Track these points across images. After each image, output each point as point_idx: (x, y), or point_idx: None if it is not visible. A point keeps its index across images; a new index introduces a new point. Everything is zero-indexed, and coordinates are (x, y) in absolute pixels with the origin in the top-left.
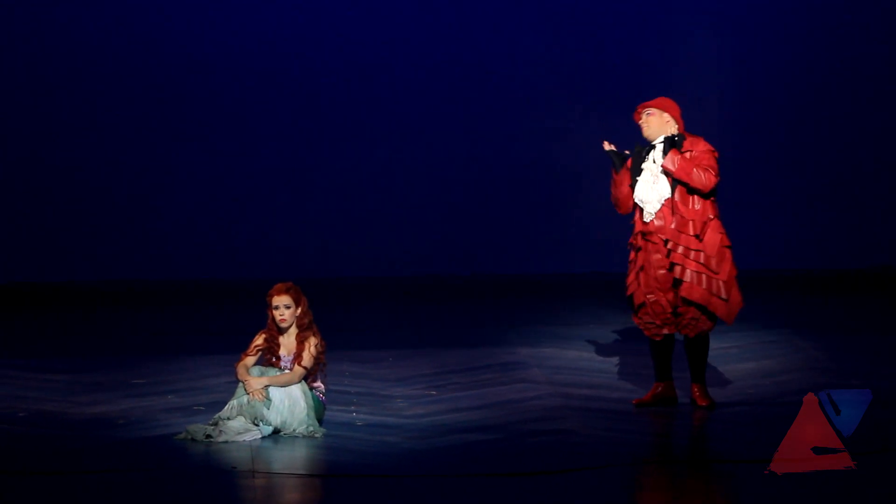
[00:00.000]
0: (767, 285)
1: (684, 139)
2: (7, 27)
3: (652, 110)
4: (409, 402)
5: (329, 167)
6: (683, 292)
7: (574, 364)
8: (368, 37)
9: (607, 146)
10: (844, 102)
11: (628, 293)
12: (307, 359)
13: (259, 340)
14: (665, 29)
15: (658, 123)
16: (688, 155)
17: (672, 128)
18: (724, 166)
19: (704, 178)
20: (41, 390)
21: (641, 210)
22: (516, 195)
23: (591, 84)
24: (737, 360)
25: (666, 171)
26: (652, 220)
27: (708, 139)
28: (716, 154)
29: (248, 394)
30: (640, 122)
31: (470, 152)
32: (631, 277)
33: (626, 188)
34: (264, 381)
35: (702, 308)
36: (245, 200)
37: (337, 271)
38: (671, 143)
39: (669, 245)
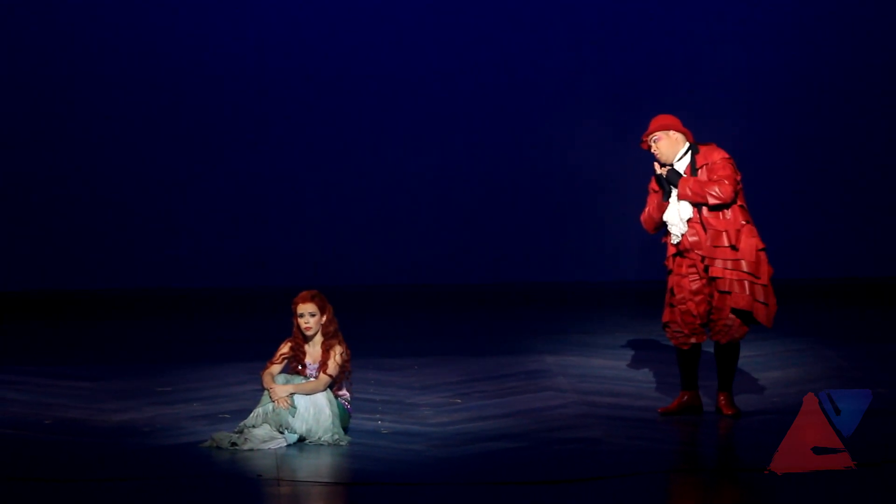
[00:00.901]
0: (794, 294)
1: (697, 152)
2: (20, 35)
3: (657, 135)
4: (435, 410)
5: (354, 173)
6: (731, 302)
7: (599, 372)
8: (386, 44)
9: (659, 168)
10: (872, 111)
11: (664, 319)
12: (332, 367)
13: (284, 349)
14: (685, 38)
15: (668, 145)
16: (703, 170)
17: (682, 144)
18: (749, 174)
19: (720, 191)
20: (67, 398)
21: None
22: (542, 203)
23: (615, 91)
24: (762, 368)
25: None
26: (684, 238)
27: (730, 149)
28: (730, 160)
29: (274, 402)
30: (652, 151)
31: (496, 159)
32: (666, 310)
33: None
34: (290, 388)
35: (742, 314)
36: (269, 208)
37: (362, 279)
38: (675, 175)
39: (706, 261)
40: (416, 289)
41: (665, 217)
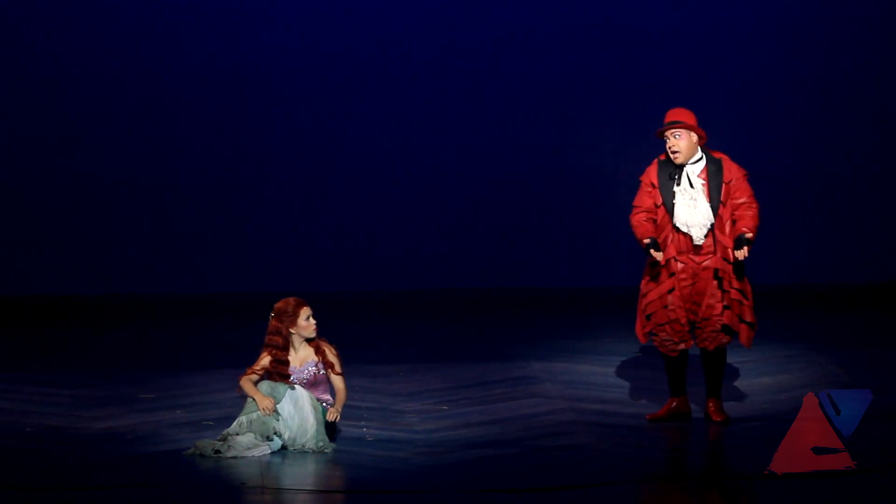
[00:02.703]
0: (785, 300)
1: (714, 162)
2: (14, 37)
3: (679, 132)
4: (420, 417)
5: (338, 179)
6: (726, 319)
7: (587, 378)
8: (384, 48)
9: (655, 254)
10: (862, 116)
11: (649, 312)
12: (338, 364)
13: (265, 360)
14: (685, 40)
15: (688, 145)
16: (727, 186)
17: (697, 148)
18: (773, 187)
19: (757, 215)
20: (48, 405)
21: (679, 234)
22: (529, 208)
23: (611, 94)
24: (753, 374)
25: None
26: (683, 242)
27: (727, 152)
28: (748, 175)
29: (261, 409)
30: (669, 144)
31: (483, 165)
32: (657, 304)
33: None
34: (337, 409)
35: (727, 328)
36: (253, 213)
37: (347, 285)
38: (745, 241)
39: (720, 273)
40: (402, 294)
41: (681, 220)
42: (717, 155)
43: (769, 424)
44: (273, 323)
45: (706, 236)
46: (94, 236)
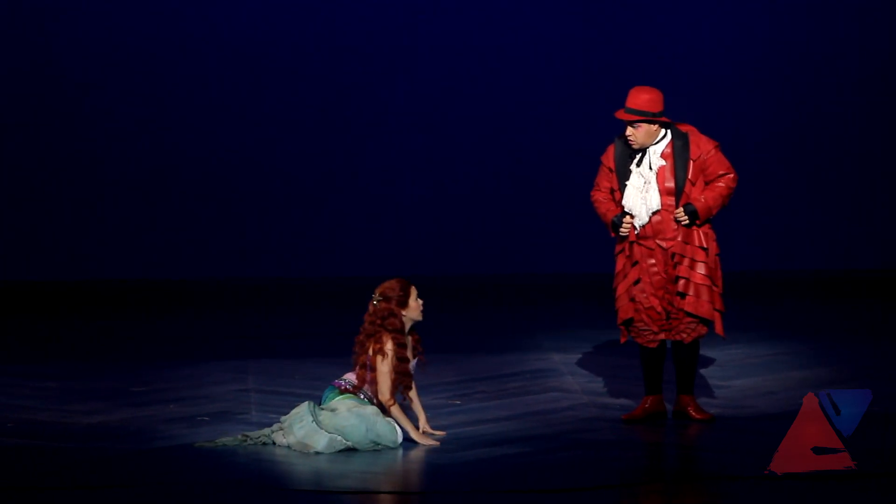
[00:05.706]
0: (825, 288)
1: (680, 138)
2: (9, 26)
3: (638, 124)
4: (432, 412)
5: (346, 161)
6: (689, 307)
7: (611, 371)
8: (390, 31)
9: (624, 229)
10: (869, 100)
11: (622, 317)
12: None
13: (389, 346)
14: (678, 27)
15: (647, 134)
16: (695, 162)
17: (660, 129)
18: (778, 168)
19: (732, 187)
20: (33, 398)
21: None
22: (549, 191)
23: (620, 78)
24: (788, 367)
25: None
26: (647, 226)
27: (738, 141)
28: (719, 145)
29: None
30: (627, 132)
31: (500, 147)
32: (624, 300)
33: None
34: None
35: (704, 320)
36: (252, 197)
37: (353, 270)
38: (694, 214)
39: (675, 258)
40: (412, 280)
41: (625, 204)
42: (685, 128)
43: None
44: (383, 306)
45: (653, 217)
46: (86, 219)
